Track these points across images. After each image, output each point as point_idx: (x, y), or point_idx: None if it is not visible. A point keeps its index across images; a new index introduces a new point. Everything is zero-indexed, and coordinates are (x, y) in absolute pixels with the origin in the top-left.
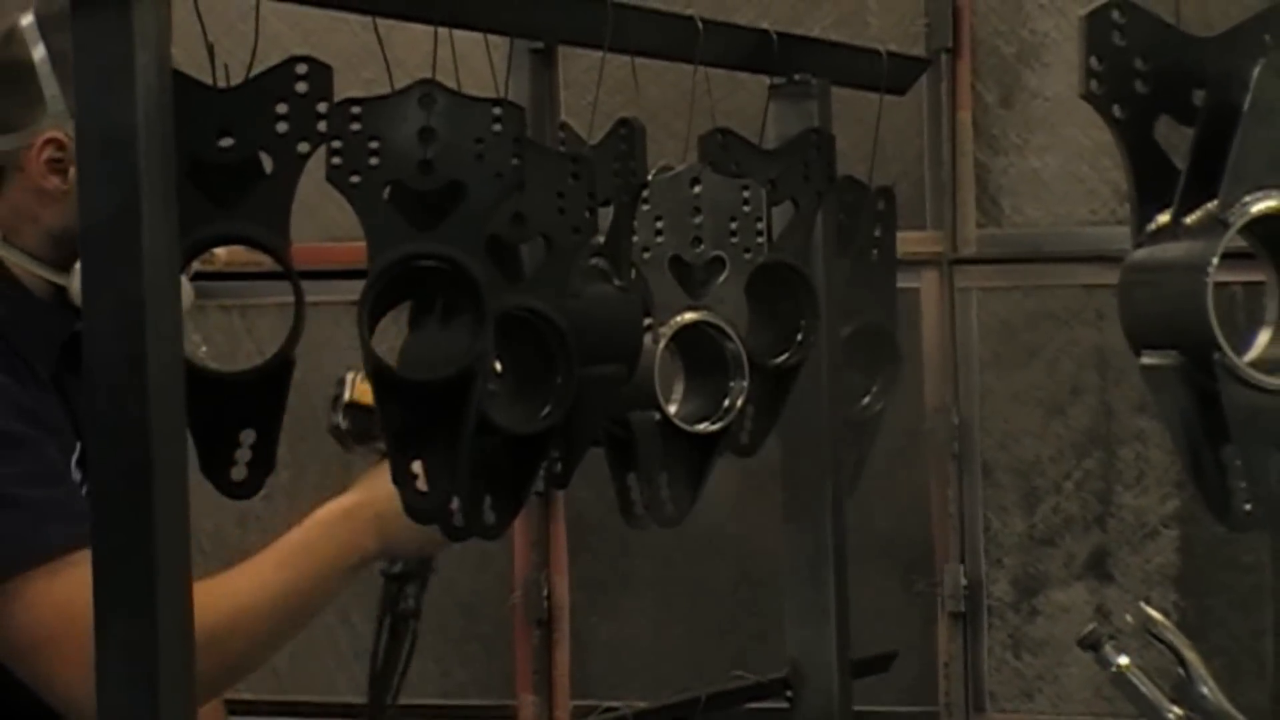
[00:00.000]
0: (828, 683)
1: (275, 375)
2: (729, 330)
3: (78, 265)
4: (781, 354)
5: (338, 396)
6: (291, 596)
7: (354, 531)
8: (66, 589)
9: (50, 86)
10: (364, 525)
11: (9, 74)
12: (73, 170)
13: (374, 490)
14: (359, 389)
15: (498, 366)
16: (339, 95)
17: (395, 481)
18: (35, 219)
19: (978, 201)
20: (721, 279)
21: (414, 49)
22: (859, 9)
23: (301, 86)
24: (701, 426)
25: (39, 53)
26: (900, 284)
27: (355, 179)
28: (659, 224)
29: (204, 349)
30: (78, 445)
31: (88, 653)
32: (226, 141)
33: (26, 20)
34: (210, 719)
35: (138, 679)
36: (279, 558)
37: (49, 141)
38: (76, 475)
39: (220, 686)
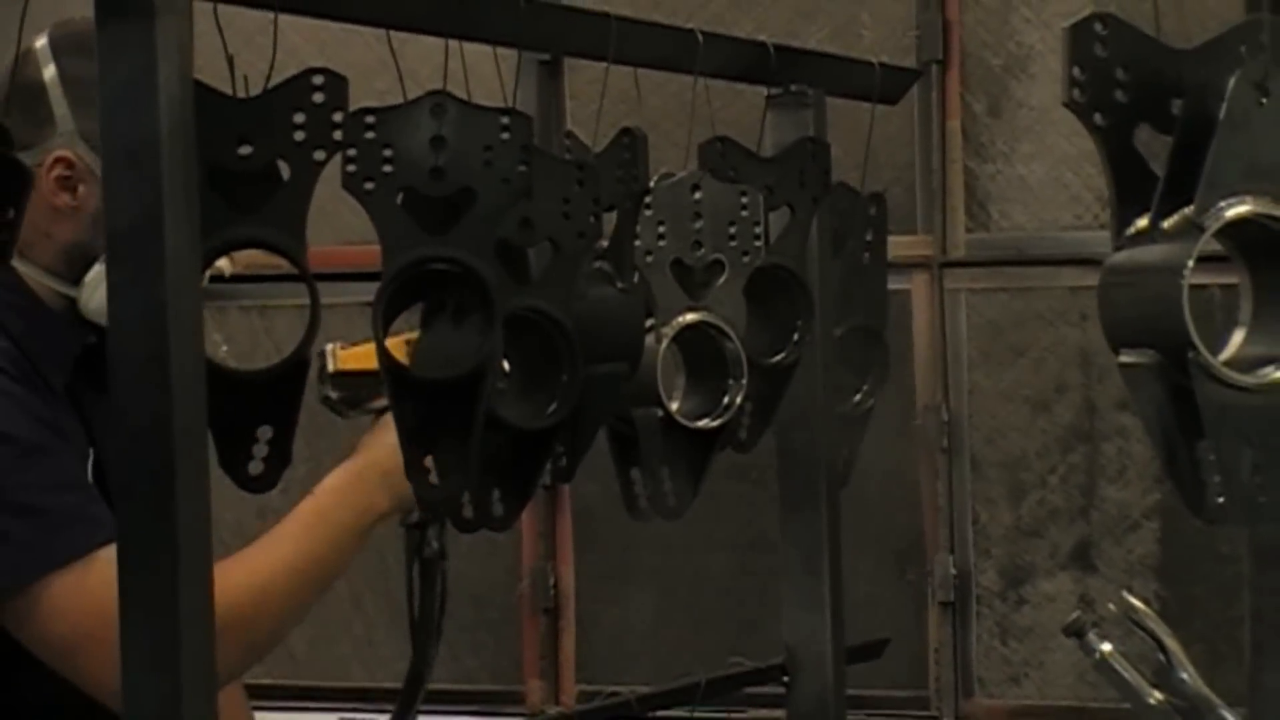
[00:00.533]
0: (823, 669)
1: (292, 374)
2: (728, 330)
3: (87, 278)
4: (778, 353)
5: (322, 368)
6: (311, 566)
7: (365, 493)
8: (95, 589)
9: (60, 106)
10: (374, 485)
11: (22, 94)
12: (82, 188)
13: (378, 449)
14: (341, 357)
15: (506, 365)
16: (354, 105)
17: (408, 475)
18: (48, 234)
19: (966, 207)
20: (721, 281)
21: (426, 61)
22: (852, 22)
23: (318, 97)
24: (702, 423)
25: (49, 73)
26: (892, 286)
27: (369, 185)
28: (661, 228)
29: (225, 349)
30: (90, 453)
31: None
32: (246, 150)
33: (40, 42)
34: (231, 699)
35: (161, 665)
36: (295, 529)
37: (58, 160)
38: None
39: (249, 662)
